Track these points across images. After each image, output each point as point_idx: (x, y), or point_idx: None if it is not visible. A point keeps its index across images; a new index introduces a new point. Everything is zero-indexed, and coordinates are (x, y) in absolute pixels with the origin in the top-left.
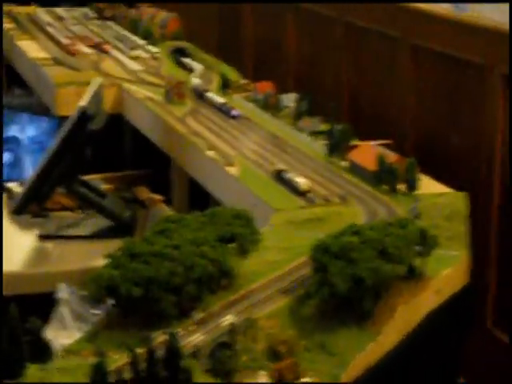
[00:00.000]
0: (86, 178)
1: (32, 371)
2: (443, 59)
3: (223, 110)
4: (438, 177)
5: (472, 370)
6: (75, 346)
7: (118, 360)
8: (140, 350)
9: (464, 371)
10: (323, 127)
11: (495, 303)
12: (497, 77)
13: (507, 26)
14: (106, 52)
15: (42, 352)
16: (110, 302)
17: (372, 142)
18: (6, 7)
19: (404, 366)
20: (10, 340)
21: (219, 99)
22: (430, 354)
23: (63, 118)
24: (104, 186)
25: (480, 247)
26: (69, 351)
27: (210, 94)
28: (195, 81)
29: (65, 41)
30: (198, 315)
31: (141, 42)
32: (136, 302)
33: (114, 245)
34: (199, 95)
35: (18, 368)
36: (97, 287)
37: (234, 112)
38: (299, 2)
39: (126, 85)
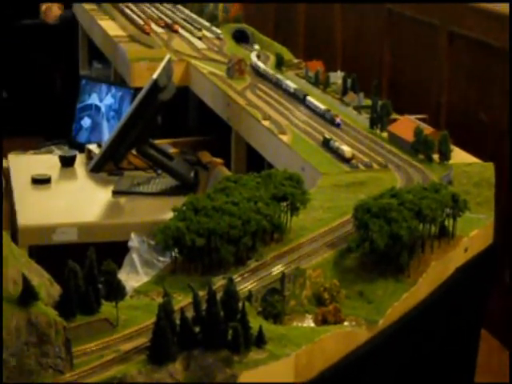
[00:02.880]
0: (156, 142)
1: (106, 308)
2: (476, 45)
3: (326, 118)
4: (469, 148)
5: (493, 323)
6: (144, 287)
7: (181, 301)
8: (201, 293)
9: (487, 324)
10: (366, 102)
11: None
12: None
13: None
14: (175, 32)
15: (116, 291)
16: (175, 250)
17: (410, 116)
18: None
19: (435, 315)
20: (87, 280)
21: (321, 106)
22: (458, 304)
23: (137, 89)
24: (171, 150)
25: (503, 213)
26: (139, 292)
27: (311, 99)
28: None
29: (140, 21)
30: (253, 264)
31: (206, 23)
32: (199, 250)
33: (180, 201)
34: (297, 99)
35: (94, 305)
36: (164, 237)
37: (338, 120)
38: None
39: (193, 61)
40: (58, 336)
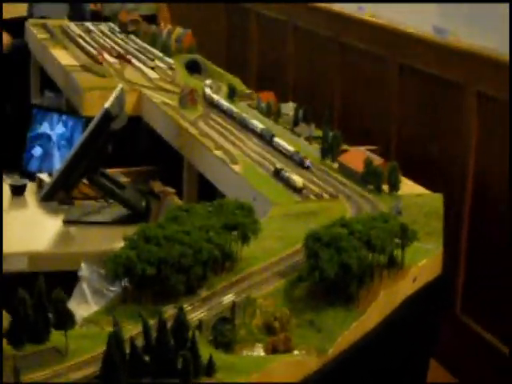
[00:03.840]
0: (108, 171)
1: (56, 336)
2: (426, 77)
3: (295, 159)
4: (417, 180)
5: (443, 353)
6: (94, 316)
7: (131, 330)
8: (152, 322)
9: (436, 354)
10: (318, 133)
11: (463, 292)
12: (472, 94)
13: (483, 48)
14: (128, 62)
15: (66, 320)
16: (126, 280)
17: (360, 147)
18: (40, 20)
19: (383, 344)
20: (37, 308)
21: (290, 148)
22: (408, 333)
23: (89, 118)
24: (123, 179)
25: (452, 243)
26: (89, 321)
27: (278, 140)
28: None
29: (92, 51)
30: (203, 293)
31: (159, 53)
32: (149, 279)
33: (131, 230)
34: (264, 139)
35: (43, 333)
36: (114, 266)
37: (307, 163)
38: (296, 20)
39: (145, 90)
40: (6, 365)
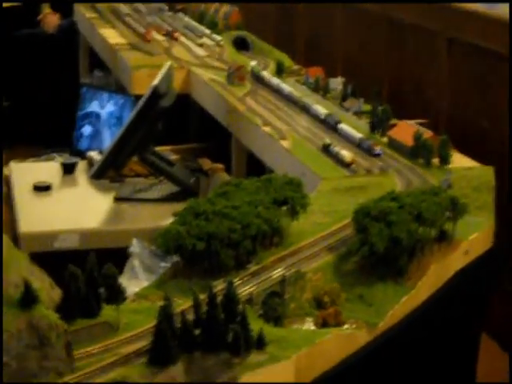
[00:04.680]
0: (158, 148)
1: (107, 311)
2: (475, 50)
3: (364, 147)
4: (468, 153)
5: (492, 326)
6: (145, 291)
7: (182, 304)
8: (202, 296)
9: (487, 328)
10: (366, 108)
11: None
12: None
13: None
14: (176, 39)
15: (117, 295)
16: (176, 255)
17: (409, 121)
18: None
19: (435, 319)
20: (88, 283)
21: (357, 134)
22: (458, 307)
23: (138, 96)
24: (172, 157)
25: (503, 216)
26: (139, 296)
27: (343, 126)
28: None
29: (140, 29)
30: (253, 268)
31: (207, 31)
32: (199, 254)
33: (181, 207)
34: (329, 126)
35: (95, 308)
36: (165, 241)
37: (377, 150)
38: (346, 2)
39: (193, 68)
40: (58, 339)
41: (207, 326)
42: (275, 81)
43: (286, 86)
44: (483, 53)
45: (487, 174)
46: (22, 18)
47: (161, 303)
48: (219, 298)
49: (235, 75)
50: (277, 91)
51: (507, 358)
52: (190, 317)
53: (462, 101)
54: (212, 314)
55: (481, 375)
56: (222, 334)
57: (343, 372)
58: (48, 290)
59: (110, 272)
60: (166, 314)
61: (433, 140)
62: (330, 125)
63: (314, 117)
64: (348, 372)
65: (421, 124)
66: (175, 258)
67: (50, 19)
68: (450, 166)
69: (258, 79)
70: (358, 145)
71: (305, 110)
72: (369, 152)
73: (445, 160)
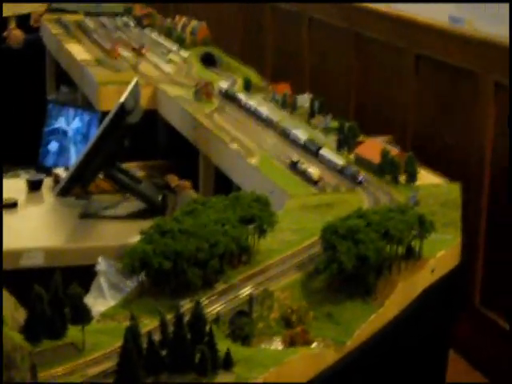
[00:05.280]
0: (125, 165)
1: (73, 332)
2: (442, 67)
3: (346, 174)
4: (435, 170)
5: (463, 345)
6: (111, 311)
7: (148, 324)
8: (169, 316)
9: (454, 346)
10: (334, 125)
11: (482, 284)
12: (489, 84)
13: (499, 37)
14: (143, 55)
15: (83, 315)
16: (142, 274)
17: (376, 138)
18: (55, 15)
19: (403, 336)
20: (53, 304)
21: (339, 161)
22: (426, 325)
23: (105, 113)
24: (139, 173)
25: (471, 233)
26: (105, 316)
27: (325, 153)
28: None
29: (107, 45)
30: (220, 287)
31: (174, 47)
32: (166, 273)
33: (148, 225)
34: (313, 152)
35: (60, 329)
36: (131, 260)
37: (360, 178)
38: (312, 14)
39: (161, 84)
40: (23, 361)
41: (174, 346)
42: (252, 103)
43: (264, 110)
44: (449, 69)
45: (454, 190)
46: None
47: (127, 323)
48: (186, 318)
49: (202, 92)
50: (254, 114)
51: (475, 373)
52: (157, 337)
53: (427, 117)
54: (179, 335)
55: None
56: (189, 354)
57: None
58: (12, 311)
59: (75, 292)
60: (132, 335)
61: (399, 157)
62: (310, 151)
63: (294, 142)
64: None
65: (386, 140)
66: (142, 277)
67: (15, 34)
68: (417, 182)
69: (229, 98)
70: (340, 171)
71: (284, 135)
72: (352, 179)
73: (412, 177)
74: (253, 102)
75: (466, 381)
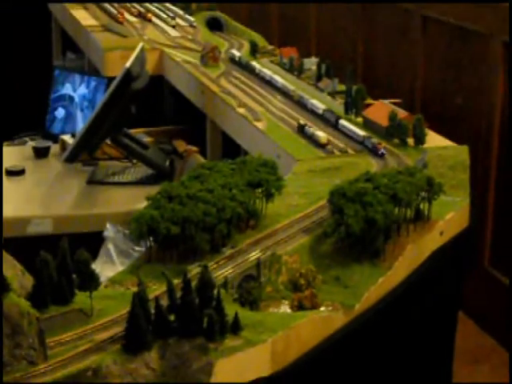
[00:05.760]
0: (131, 131)
1: (80, 298)
2: (450, 29)
3: (367, 145)
4: (443, 132)
5: (471, 305)
6: (119, 276)
7: (156, 289)
8: (177, 281)
9: (464, 307)
10: (341, 88)
11: (492, 245)
12: (498, 45)
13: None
14: (149, 20)
15: (90, 281)
16: (150, 239)
17: (384, 101)
18: None
19: (412, 299)
20: (60, 270)
21: (360, 131)
22: (435, 287)
23: (111, 79)
24: (146, 139)
25: (480, 194)
26: (113, 281)
27: (344, 123)
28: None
29: (113, 10)
30: (228, 251)
31: (180, 12)
32: (173, 239)
33: (155, 190)
34: (331, 123)
35: (67, 295)
36: (138, 226)
37: (381, 150)
38: None
39: (167, 49)
40: (31, 327)
41: (182, 311)
42: (267, 73)
43: (279, 78)
44: (457, 30)
45: (462, 152)
46: None
47: (135, 289)
48: (194, 283)
49: (209, 56)
50: (269, 83)
51: (483, 335)
52: (165, 302)
53: (436, 79)
54: (187, 299)
55: (458, 354)
56: (197, 319)
57: (320, 355)
58: (19, 278)
59: (82, 258)
60: (139, 300)
61: (407, 119)
62: (329, 121)
63: (312, 112)
64: (325, 355)
65: (396, 104)
66: (150, 242)
67: None
68: (425, 145)
69: (241, 66)
70: (361, 142)
71: (300, 104)
72: (374, 151)
73: (420, 140)
74: (277, 76)
75: (474, 342)
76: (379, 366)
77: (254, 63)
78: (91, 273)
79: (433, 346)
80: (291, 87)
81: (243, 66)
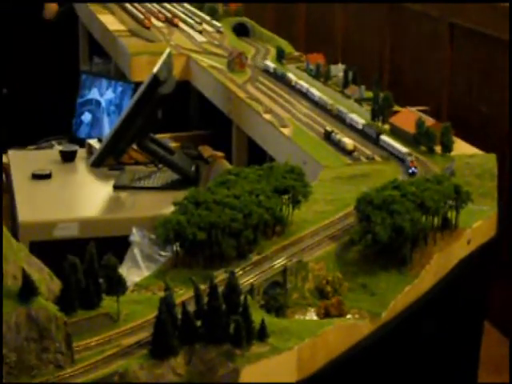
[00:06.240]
0: (157, 136)
1: (107, 302)
2: (477, 37)
3: (403, 159)
4: (471, 140)
5: (495, 314)
6: (145, 281)
7: (183, 294)
8: (203, 287)
9: (490, 315)
10: (368, 95)
11: None
12: None
13: None
14: (176, 26)
15: (117, 286)
16: (177, 244)
17: (412, 108)
18: None
19: (438, 308)
20: (88, 274)
21: (400, 147)
22: (461, 296)
23: (138, 83)
24: (172, 144)
25: (508, 203)
26: (140, 286)
27: (385, 138)
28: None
29: (140, 15)
30: (255, 257)
31: (206, 17)
32: (200, 244)
33: (181, 195)
34: (372, 139)
35: (95, 299)
36: (165, 230)
37: (413, 169)
38: None
39: (193, 55)
40: (58, 331)
41: (208, 317)
42: (304, 85)
43: (315, 91)
44: (484, 38)
45: (490, 161)
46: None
47: (161, 294)
48: (221, 289)
49: (236, 62)
50: (305, 96)
51: (507, 342)
52: (191, 307)
53: (463, 87)
54: (213, 305)
55: (483, 363)
56: (224, 325)
57: (346, 363)
58: (47, 282)
59: (110, 262)
60: (166, 305)
61: (435, 127)
62: (370, 137)
63: (350, 126)
64: (351, 363)
65: (423, 111)
66: (176, 247)
67: (50, 7)
68: (453, 153)
69: (281, 81)
70: (399, 158)
71: (339, 118)
72: (407, 169)
73: (447, 147)
74: (314, 89)
75: (498, 351)
76: (405, 375)
77: (290, 75)
78: (118, 277)
79: (458, 355)
80: (329, 101)
81: (278, 78)
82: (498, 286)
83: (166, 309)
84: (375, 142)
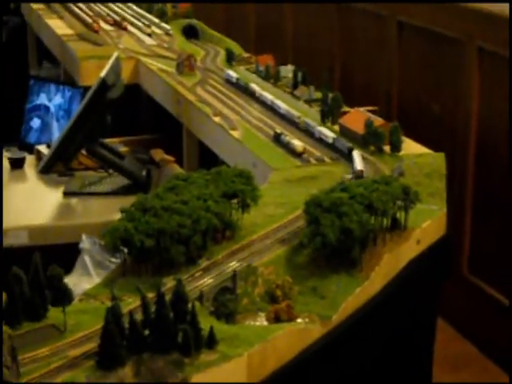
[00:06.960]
0: (107, 141)
1: (53, 313)
2: (425, 35)
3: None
4: (419, 140)
5: (452, 313)
6: (93, 290)
7: (131, 303)
8: (152, 295)
9: (442, 315)
10: (317, 96)
11: (470, 252)
12: (473, 50)
13: (483, 4)
14: (124, 29)
15: (63, 296)
16: (125, 252)
17: (360, 109)
18: None
19: (390, 309)
20: (33, 285)
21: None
22: (412, 296)
23: (86, 88)
24: (123, 149)
25: (456, 202)
26: (88, 295)
27: (356, 155)
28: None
29: (88, 19)
30: (204, 263)
31: (155, 20)
32: (148, 251)
33: (131, 201)
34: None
35: (40, 311)
36: (112, 238)
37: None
38: None
39: (142, 58)
40: (3, 344)
41: (156, 326)
42: (268, 96)
43: (281, 104)
44: (433, 37)
45: (438, 160)
46: None
47: (109, 303)
48: (168, 296)
49: (185, 64)
50: (271, 108)
51: (464, 342)
52: (139, 316)
53: (412, 86)
54: (161, 314)
55: (438, 361)
56: (172, 333)
57: (297, 367)
58: None
59: (55, 272)
60: (113, 315)
61: (384, 127)
62: (340, 151)
63: (319, 140)
64: (302, 367)
65: (372, 111)
66: (125, 255)
67: None
68: (402, 153)
69: (242, 90)
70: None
71: (307, 132)
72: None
73: (396, 147)
74: (280, 101)
75: (454, 349)
76: (358, 377)
77: (254, 86)
78: (64, 288)
79: (412, 354)
80: (296, 113)
81: (242, 89)
82: (454, 285)
83: (112, 319)
84: (348, 156)
